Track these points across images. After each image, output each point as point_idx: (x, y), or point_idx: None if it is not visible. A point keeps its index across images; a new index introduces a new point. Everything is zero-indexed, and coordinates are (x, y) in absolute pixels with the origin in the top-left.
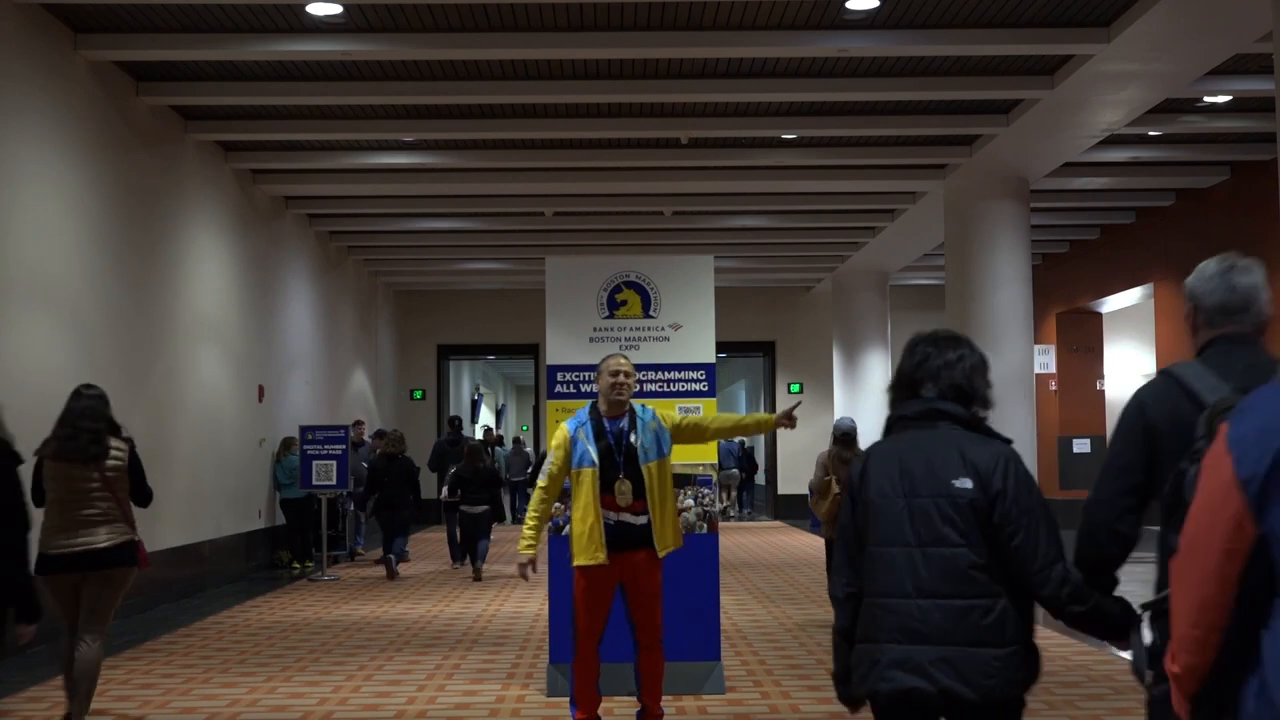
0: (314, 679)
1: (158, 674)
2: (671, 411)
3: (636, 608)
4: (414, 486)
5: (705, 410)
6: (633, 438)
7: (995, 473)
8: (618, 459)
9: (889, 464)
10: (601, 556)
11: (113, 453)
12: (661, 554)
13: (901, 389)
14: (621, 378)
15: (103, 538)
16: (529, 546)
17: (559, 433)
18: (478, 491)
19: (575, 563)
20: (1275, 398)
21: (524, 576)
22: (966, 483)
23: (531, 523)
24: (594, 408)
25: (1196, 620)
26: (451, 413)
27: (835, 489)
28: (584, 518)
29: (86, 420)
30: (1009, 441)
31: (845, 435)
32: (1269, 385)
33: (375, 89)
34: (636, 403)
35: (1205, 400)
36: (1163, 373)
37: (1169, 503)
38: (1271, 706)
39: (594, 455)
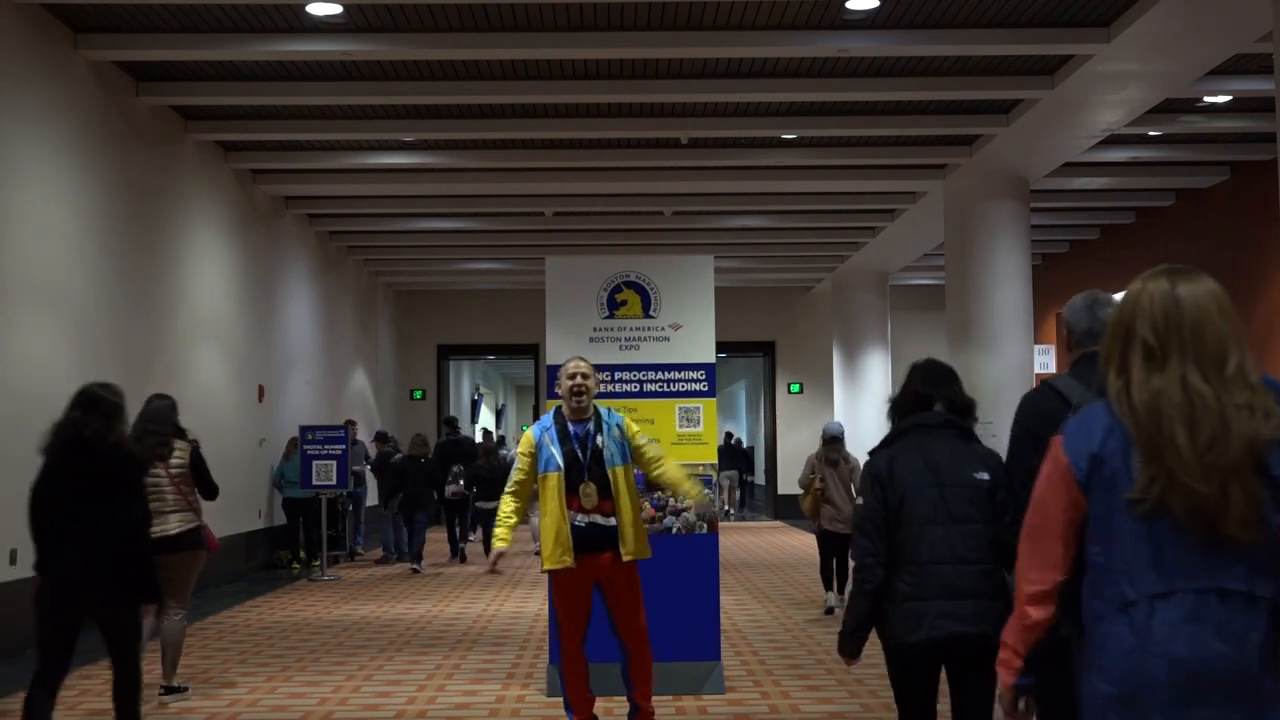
0: (314, 679)
1: (158, 674)
2: (638, 427)
3: (614, 608)
4: (438, 486)
5: (705, 411)
6: (599, 440)
7: (998, 468)
8: (583, 462)
9: (915, 462)
10: (569, 560)
11: (175, 453)
12: (626, 558)
13: (913, 403)
14: (579, 380)
15: (174, 525)
16: (501, 540)
17: (525, 439)
18: (494, 488)
19: (544, 567)
20: (1094, 415)
21: (496, 569)
22: (984, 475)
23: (504, 524)
24: (559, 412)
25: (1043, 578)
26: (450, 413)
27: (816, 486)
28: (551, 523)
29: (152, 424)
30: None
31: (833, 438)
32: (1093, 404)
33: (375, 89)
34: (603, 405)
35: (1071, 401)
36: (1044, 383)
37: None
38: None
39: (559, 459)
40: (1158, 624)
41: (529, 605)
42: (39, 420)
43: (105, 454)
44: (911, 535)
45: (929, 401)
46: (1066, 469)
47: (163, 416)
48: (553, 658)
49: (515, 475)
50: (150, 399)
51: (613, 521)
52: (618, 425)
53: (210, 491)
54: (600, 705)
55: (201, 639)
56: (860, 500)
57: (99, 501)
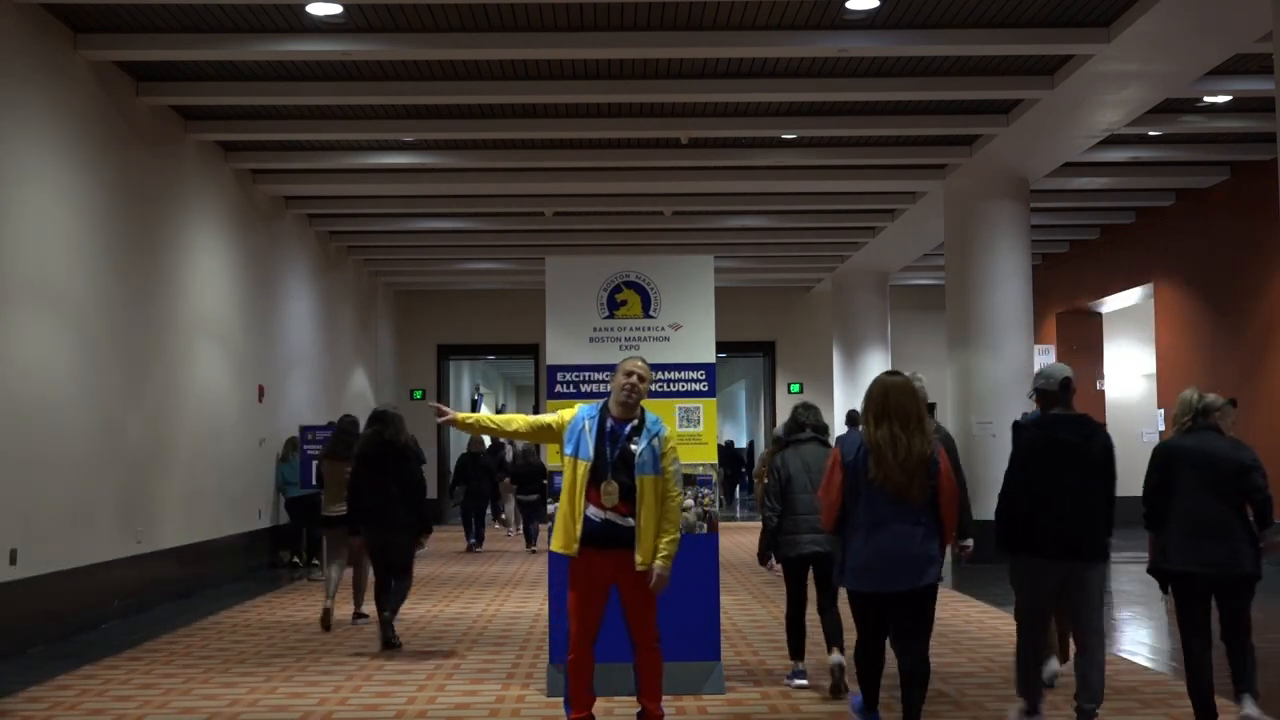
0: (314, 679)
1: (158, 674)
2: (675, 454)
3: (627, 606)
4: (494, 481)
5: (705, 411)
6: (634, 445)
7: None
8: (608, 460)
9: (796, 459)
10: (573, 549)
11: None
12: (639, 562)
13: (794, 425)
14: (635, 380)
15: (344, 507)
16: (463, 415)
17: (571, 410)
18: (530, 482)
19: (551, 547)
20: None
21: (438, 411)
22: None
23: (485, 418)
24: (605, 406)
25: (830, 506)
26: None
27: (766, 478)
28: (565, 509)
29: (349, 435)
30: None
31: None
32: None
33: (375, 89)
34: (652, 412)
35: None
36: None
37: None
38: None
39: (591, 450)
40: (876, 536)
41: (529, 605)
42: (39, 420)
43: (399, 448)
44: (793, 499)
45: (804, 425)
46: (839, 462)
47: (355, 425)
48: (552, 657)
49: (547, 417)
50: (341, 419)
51: (630, 522)
52: (658, 436)
53: None
54: (601, 705)
55: (202, 639)
56: (766, 480)
57: (396, 477)
